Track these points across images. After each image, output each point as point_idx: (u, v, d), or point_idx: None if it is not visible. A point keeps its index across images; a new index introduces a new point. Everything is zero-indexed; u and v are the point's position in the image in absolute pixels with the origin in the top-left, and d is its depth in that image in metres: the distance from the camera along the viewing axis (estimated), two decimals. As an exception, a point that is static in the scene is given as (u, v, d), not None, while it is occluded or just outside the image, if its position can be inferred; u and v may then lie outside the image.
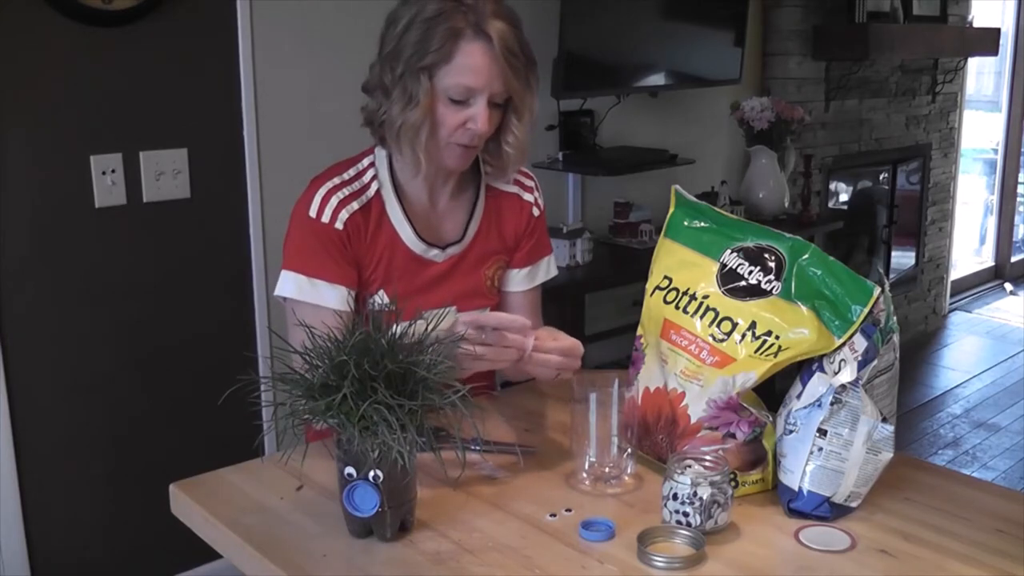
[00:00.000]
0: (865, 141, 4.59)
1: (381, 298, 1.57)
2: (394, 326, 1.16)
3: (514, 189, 1.69)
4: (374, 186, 1.57)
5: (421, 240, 1.59)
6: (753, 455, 1.29)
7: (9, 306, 2.21)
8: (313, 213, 1.53)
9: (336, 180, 1.56)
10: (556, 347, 1.43)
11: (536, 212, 1.71)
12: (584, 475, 1.32)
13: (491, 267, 1.66)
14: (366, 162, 1.59)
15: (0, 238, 2.18)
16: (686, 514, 1.17)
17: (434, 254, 1.60)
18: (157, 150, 2.37)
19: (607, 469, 1.32)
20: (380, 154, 1.59)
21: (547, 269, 1.74)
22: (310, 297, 1.52)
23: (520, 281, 1.71)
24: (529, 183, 1.71)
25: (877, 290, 1.21)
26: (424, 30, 1.45)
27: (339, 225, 1.53)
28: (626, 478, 1.32)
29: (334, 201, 1.53)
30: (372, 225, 1.56)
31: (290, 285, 1.54)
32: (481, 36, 1.45)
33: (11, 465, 2.25)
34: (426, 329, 1.17)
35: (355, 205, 1.54)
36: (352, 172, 1.58)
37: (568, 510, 1.25)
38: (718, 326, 1.28)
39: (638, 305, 1.41)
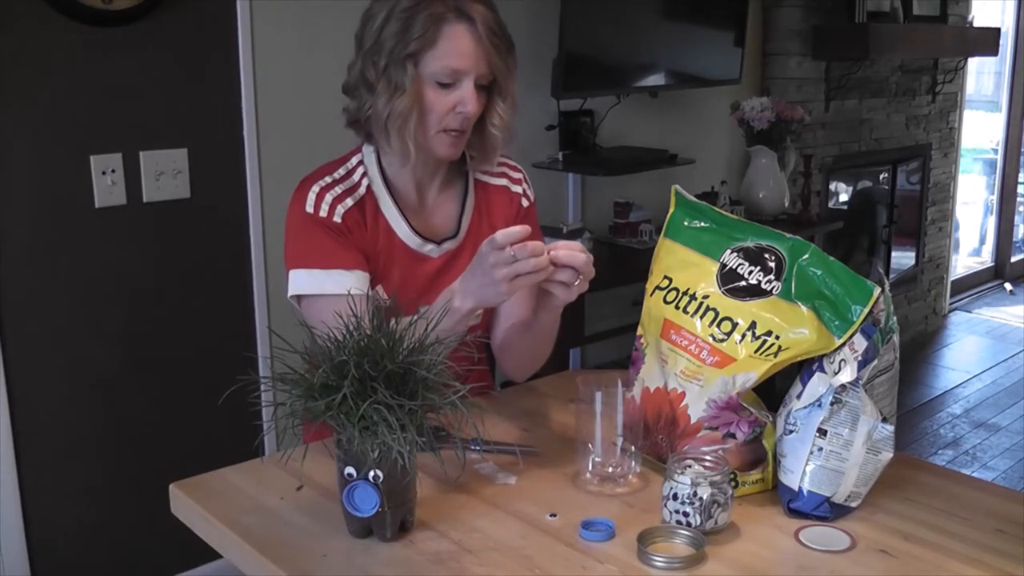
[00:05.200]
0: (865, 141, 4.59)
1: (379, 294, 1.56)
2: (393, 323, 1.16)
3: (502, 182, 1.69)
4: (364, 183, 1.57)
5: (416, 234, 1.59)
6: (753, 455, 1.29)
7: (9, 306, 2.21)
8: (310, 209, 1.53)
9: (327, 179, 1.56)
10: (565, 244, 1.36)
11: (525, 203, 1.70)
12: (588, 475, 1.32)
13: None
14: (355, 160, 1.60)
15: (0, 238, 2.18)
16: (686, 514, 1.17)
17: (429, 249, 1.60)
18: (157, 150, 2.37)
19: (611, 469, 1.32)
20: (368, 152, 1.60)
21: None
22: (331, 288, 1.48)
23: None
24: (517, 175, 1.71)
25: (877, 290, 1.21)
26: (405, 19, 1.46)
27: (337, 219, 1.53)
28: (631, 478, 1.32)
29: (328, 198, 1.53)
30: (369, 221, 1.56)
31: (304, 281, 1.51)
32: (463, 18, 1.46)
33: (11, 465, 2.25)
34: (426, 328, 1.17)
35: (349, 201, 1.55)
36: (342, 171, 1.58)
37: (553, 515, 1.25)
38: (718, 326, 1.28)
39: (638, 305, 1.41)
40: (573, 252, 1.35)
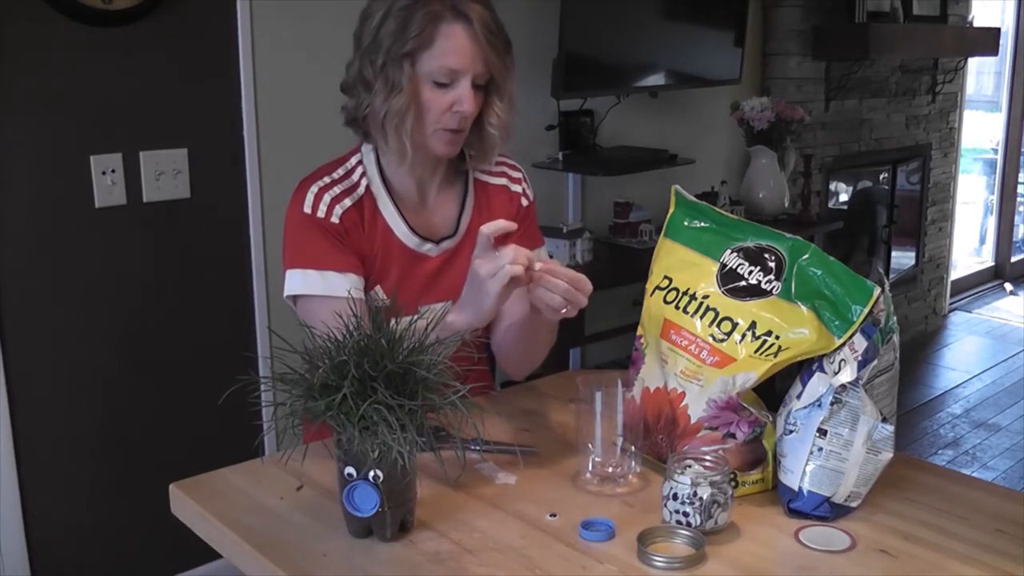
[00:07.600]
0: (865, 141, 4.59)
1: (378, 294, 1.57)
2: (393, 323, 1.16)
3: (502, 181, 1.69)
4: (364, 183, 1.58)
5: (414, 234, 1.59)
6: (753, 455, 1.29)
7: (9, 306, 2.21)
8: (308, 210, 1.53)
9: (326, 179, 1.56)
10: (564, 272, 1.38)
11: (525, 202, 1.70)
12: (589, 475, 1.32)
13: None
14: (354, 160, 1.60)
15: (0, 238, 2.18)
16: (686, 514, 1.17)
17: (427, 248, 1.60)
18: (157, 150, 2.37)
19: (611, 469, 1.32)
20: (367, 152, 1.60)
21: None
22: (323, 290, 1.50)
23: None
24: (516, 175, 1.71)
25: (877, 290, 1.21)
26: (402, 18, 1.47)
27: (335, 219, 1.53)
28: (631, 478, 1.32)
29: (327, 198, 1.54)
30: (367, 221, 1.56)
31: (298, 281, 1.52)
32: (460, 18, 1.47)
33: (11, 465, 2.25)
34: (426, 328, 1.17)
35: (348, 202, 1.55)
36: (341, 171, 1.58)
37: (553, 515, 1.25)
38: (718, 326, 1.28)
39: (638, 305, 1.41)
40: (557, 278, 1.36)
